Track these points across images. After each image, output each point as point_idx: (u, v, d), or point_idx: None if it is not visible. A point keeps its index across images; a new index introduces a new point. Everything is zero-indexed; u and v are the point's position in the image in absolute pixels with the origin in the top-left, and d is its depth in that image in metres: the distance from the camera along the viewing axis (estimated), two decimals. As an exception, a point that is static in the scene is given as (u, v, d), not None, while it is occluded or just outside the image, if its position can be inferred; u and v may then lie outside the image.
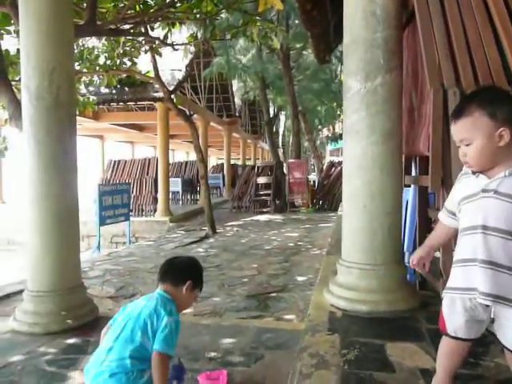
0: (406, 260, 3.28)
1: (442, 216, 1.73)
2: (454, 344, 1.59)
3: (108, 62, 8.21)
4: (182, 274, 2.03)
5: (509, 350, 1.52)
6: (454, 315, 1.56)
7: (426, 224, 3.09)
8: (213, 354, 2.75)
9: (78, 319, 3.11)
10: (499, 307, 1.46)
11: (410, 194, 3.40)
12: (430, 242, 1.79)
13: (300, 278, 5.39)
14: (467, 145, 1.51)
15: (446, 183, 2.45)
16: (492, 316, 1.50)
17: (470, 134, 1.49)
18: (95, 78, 9.51)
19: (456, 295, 1.55)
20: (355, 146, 2.78)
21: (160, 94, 10.45)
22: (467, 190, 1.56)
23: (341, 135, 21.24)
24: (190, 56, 10.62)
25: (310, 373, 1.92)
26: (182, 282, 1.99)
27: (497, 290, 1.44)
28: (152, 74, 9.42)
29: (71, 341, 2.90)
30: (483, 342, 2.04)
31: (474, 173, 1.54)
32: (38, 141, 3.06)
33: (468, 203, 1.54)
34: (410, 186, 3.37)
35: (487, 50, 2.53)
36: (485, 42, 2.60)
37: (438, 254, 3.08)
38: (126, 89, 11.90)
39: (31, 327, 3.01)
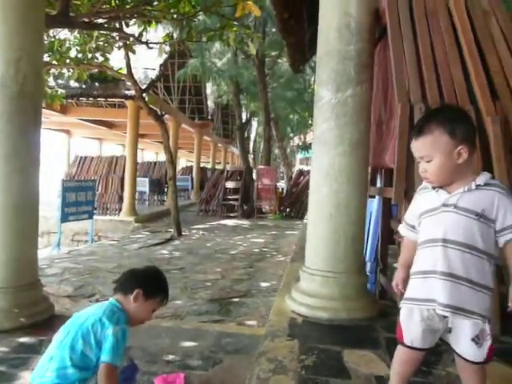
0: (367, 270, 3.35)
1: (405, 231, 1.75)
2: (410, 353, 1.63)
3: (79, 55, 8.03)
4: (131, 282, 1.96)
5: (463, 358, 1.57)
6: (412, 325, 1.60)
7: (388, 235, 3.17)
8: (171, 357, 2.71)
9: (31, 317, 2.99)
10: (457, 318, 1.52)
11: (374, 206, 3.47)
12: (405, 261, 1.76)
13: (263, 284, 5.39)
14: (428, 161, 1.55)
15: (409, 195, 2.52)
16: (450, 325, 1.55)
17: (430, 152, 1.54)
18: (65, 71, 9.27)
19: (414, 306, 1.59)
20: (323, 155, 2.83)
21: (132, 92, 10.29)
22: (428, 204, 1.60)
23: (311, 144, 21.50)
24: (164, 56, 10.51)
25: (268, 377, 1.93)
26: (130, 290, 1.92)
27: (455, 302, 1.50)
28: (124, 71, 9.27)
29: (23, 339, 2.79)
30: (436, 351, 2.10)
31: (434, 188, 1.59)
32: (-1, 130, 2.95)
33: (429, 217, 1.59)
34: (374, 197, 3.44)
35: (453, 70, 2.64)
36: (451, 62, 2.71)
37: (395, 265, 3.16)
38: (97, 84, 11.66)
39: (-19, 324, 2.88)
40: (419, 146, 1.57)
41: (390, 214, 3.25)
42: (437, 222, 1.55)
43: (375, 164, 3.22)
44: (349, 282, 2.77)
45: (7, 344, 2.72)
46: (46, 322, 3.04)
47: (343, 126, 2.75)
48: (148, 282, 1.99)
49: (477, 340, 1.53)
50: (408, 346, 1.62)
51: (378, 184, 3.39)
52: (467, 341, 1.54)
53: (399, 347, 1.68)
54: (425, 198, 1.64)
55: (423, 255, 1.60)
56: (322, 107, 2.84)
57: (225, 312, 4.26)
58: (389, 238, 3.24)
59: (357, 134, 2.76)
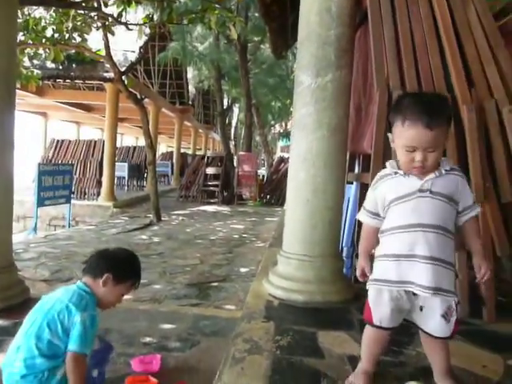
0: (344, 254, 3.41)
1: (367, 219, 1.75)
2: (378, 332, 1.70)
3: (56, 35, 7.80)
4: (101, 265, 1.90)
5: (430, 335, 1.65)
6: (380, 305, 1.65)
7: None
8: (148, 339, 2.72)
9: (5, 300, 2.95)
10: (428, 297, 1.59)
11: (351, 191, 3.52)
12: (366, 248, 1.79)
13: (242, 269, 5.42)
14: (431, 151, 1.55)
15: (385, 181, 2.57)
16: (421, 304, 1.63)
17: (437, 143, 1.55)
18: (41, 51, 9.00)
19: (384, 287, 1.64)
20: (302, 140, 2.84)
21: (110, 75, 10.09)
22: (399, 191, 1.63)
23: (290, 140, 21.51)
24: (144, 38, 10.31)
25: (243, 357, 1.95)
26: (100, 274, 1.87)
27: (436, 283, 1.56)
28: (103, 53, 9.05)
29: (-3, 322, 2.76)
30: (408, 333, 2.16)
31: (405, 174, 1.62)
32: (-29, 110, 2.87)
33: (402, 203, 1.62)
34: (352, 183, 3.49)
35: (431, 57, 2.67)
36: (430, 49, 2.74)
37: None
38: (74, 66, 11.40)
39: (-49, 308, 2.82)
40: (432, 137, 1.53)
41: (367, 200, 3.29)
42: (414, 207, 1.59)
43: (353, 150, 3.26)
44: (324, 266, 2.81)
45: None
46: (20, 305, 3.00)
47: (322, 110, 2.76)
48: (118, 266, 1.93)
49: (445, 316, 1.61)
50: (376, 326, 1.68)
51: (356, 170, 3.43)
52: (437, 317, 1.61)
53: (368, 327, 1.74)
54: (391, 185, 1.66)
55: (396, 239, 1.63)
56: (301, 92, 2.85)
57: (203, 296, 4.28)
58: (365, 223, 3.29)
59: (335, 119, 2.78)
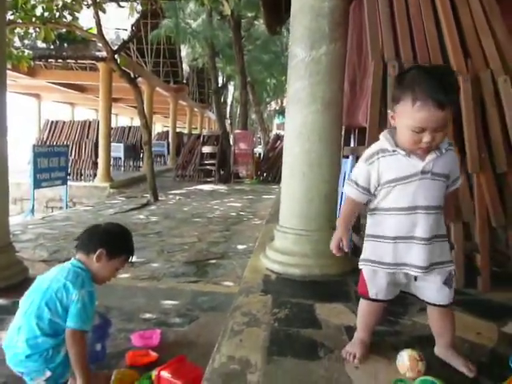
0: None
1: (355, 193, 1.63)
2: (374, 305, 1.72)
3: (46, 13, 7.64)
4: (94, 241, 1.90)
5: (435, 305, 1.67)
6: (376, 281, 1.67)
7: (360, 194, 3.22)
8: (148, 316, 2.75)
9: (4, 280, 2.98)
10: (431, 271, 1.59)
11: (347, 165, 3.51)
12: (346, 221, 1.74)
13: (240, 247, 5.46)
14: (440, 131, 1.48)
15: (380, 154, 2.56)
16: (419, 279, 1.64)
17: (446, 122, 1.48)
18: (31, 30, 8.82)
19: (379, 268, 1.65)
20: (296, 114, 2.82)
21: (103, 54, 9.93)
22: (398, 172, 1.55)
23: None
24: (136, 15, 10.12)
25: (241, 330, 1.98)
26: (93, 250, 1.88)
27: (430, 261, 1.58)
28: (95, 31, 8.89)
29: (-3, 301, 2.78)
30: (403, 303, 2.19)
31: (406, 153, 1.52)
32: (-40, 90, 2.83)
33: (404, 184, 1.55)
34: (348, 157, 3.48)
35: (426, 28, 2.63)
36: (425, 19, 2.70)
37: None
38: (66, 45, 11.20)
39: (-51, 288, 2.84)
40: (441, 119, 1.44)
41: (363, 174, 3.29)
42: (416, 190, 1.55)
43: (348, 123, 3.24)
44: (321, 240, 2.82)
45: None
46: (19, 284, 3.02)
47: (316, 84, 2.73)
48: (111, 241, 1.93)
49: (447, 282, 1.63)
50: (372, 299, 1.70)
51: (352, 144, 3.42)
52: (439, 286, 1.62)
53: (363, 301, 1.76)
54: (390, 164, 1.56)
55: (395, 221, 1.59)
56: (295, 66, 2.81)
57: (202, 273, 4.32)
58: (361, 197, 3.30)
59: (330, 92, 2.75)
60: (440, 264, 1.61)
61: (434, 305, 1.67)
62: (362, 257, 1.72)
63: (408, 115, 1.46)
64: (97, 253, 1.87)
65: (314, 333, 1.98)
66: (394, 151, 1.55)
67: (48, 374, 1.73)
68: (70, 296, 1.76)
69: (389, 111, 1.59)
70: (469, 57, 2.61)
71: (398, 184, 1.56)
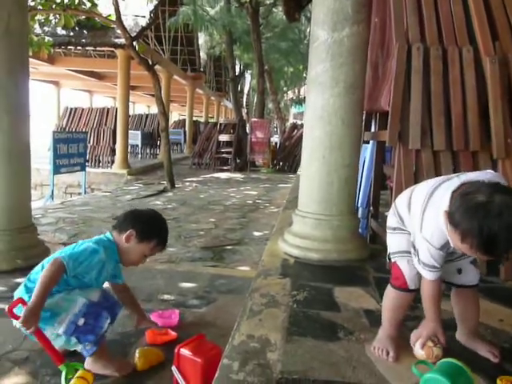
0: (359, 215, 3.39)
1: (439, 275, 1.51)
2: (408, 297, 1.65)
3: (66, 0, 7.67)
4: (127, 221, 1.94)
5: (466, 286, 1.64)
6: (414, 271, 1.58)
7: (380, 180, 3.19)
8: (166, 297, 2.78)
9: (27, 259, 3.02)
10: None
11: (367, 151, 3.47)
12: (438, 309, 1.56)
13: (256, 233, 5.46)
14: None
15: (403, 138, 2.52)
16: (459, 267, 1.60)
17: None
18: (51, 17, 8.88)
19: (407, 257, 1.60)
20: (318, 97, 2.78)
21: (121, 40, 9.94)
22: None
23: (305, 98, 21.17)
24: (154, 2, 10.09)
25: (261, 310, 1.99)
26: (124, 229, 1.91)
27: None
28: (113, 18, 8.90)
29: (20, 280, 2.82)
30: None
31: None
32: (-15, 71, 2.86)
33: None
34: (368, 143, 3.44)
35: (453, 7, 2.56)
36: (452, 0, 2.62)
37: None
38: (85, 32, 11.24)
39: (-22, 265, 2.91)
40: None
41: (384, 160, 3.25)
42: None
43: (370, 108, 3.19)
44: (341, 225, 2.81)
45: (5, 283, 2.77)
46: (41, 264, 3.09)
47: (338, 67, 2.69)
48: (143, 224, 1.94)
49: (474, 261, 1.61)
50: (411, 290, 1.62)
51: (373, 129, 3.37)
52: (469, 266, 1.60)
53: (395, 295, 1.66)
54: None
55: None
56: (317, 48, 2.77)
57: (218, 259, 4.34)
58: (381, 183, 3.27)
59: (352, 75, 2.71)
60: None
61: (464, 286, 1.63)
62: (393, 250, 1.66)
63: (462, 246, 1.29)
64: (127, 233, 1.90)
65: (333, 315, 1.98)
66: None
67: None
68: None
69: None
70: (497, 38, 2.53)
71: None
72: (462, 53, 2.47)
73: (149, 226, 1.96)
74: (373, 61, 3.20)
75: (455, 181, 1.36)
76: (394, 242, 1.68)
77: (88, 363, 1.82)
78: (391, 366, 1.56)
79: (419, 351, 1.57)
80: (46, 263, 1.83)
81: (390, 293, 1.70)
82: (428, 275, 1.50)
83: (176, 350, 1.79)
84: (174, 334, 2.19)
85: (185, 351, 1.76)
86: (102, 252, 1.85)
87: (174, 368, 1.78)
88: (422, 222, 1.44)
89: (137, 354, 1.91)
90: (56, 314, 1.77)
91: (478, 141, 2.44)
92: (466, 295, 1.66)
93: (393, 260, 1.68)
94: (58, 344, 1.80)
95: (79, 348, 1.80)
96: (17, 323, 1.68)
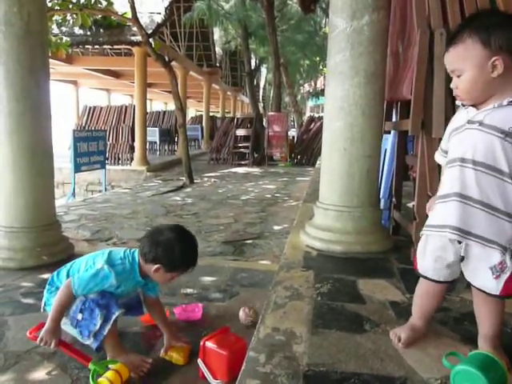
0: (381, 206, 3.35)
1: (438, 157, 1.60)
2: (432, 286, 1.55)
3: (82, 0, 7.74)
4: (153, 253, 1.81)
5: (480, 290, 1.45)
6: (427, 254, 1.51)
7: (403, 170, 3.13)
8: (189, 291, 2.80)
9: (53, 256, 3.09)
10: (472, 246, 1.40)
11: (388, 142, 3.41)
12: None
13: (276, 227, 5.45)
14: (458, 76, 1.37)
15: (426, 127, 2.47)
16: (462, 254, 1.43)
17: (460, 64, 1.35)
18: (68, 17, 8.98)
19: (429, 232, 1.50)
20: (338, 87, 2.74)
21: (138, 38, 10.00)
22: (456, 122, 1.46)
23: (322, 91, 21.00)
24: (169, -2, 10.10)
25: (285, 303, 1.98)
26: (151, 261, 1.82)
27: (466, 226, 1.37)
28: (129, 16, 8.95)
29: (46, 276, 2.87)
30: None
31: (463, 106, 1.44)
32: (7, 70, 2.91)
33: (454, 135, 1.45)
34: (389, 133, 3.38)
35: (477, -8, 2.48)
36: (475, -17, 2.54)
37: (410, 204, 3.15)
38: (102, 31, 11.33)
39: (5, 262, 2.98)
40: (450, 58, 1.39)
41: (406, 150, 3.19)
42: (459, 140, 1.42)
43: (391, 97, 3.13)
44: (363, 216, 2.78)
45: (32, 279, 2.83)
46: (66, 260, 3.09)
47: (358, 56, 2.64)
48: (170, 258, 1.82)
49: (494, 270, 1.39)
50: (426, 278, 1.54)
51: (394, 119, 3.31)
52: (485, 269, 1.40)
53: (421, 280, 1.59)
54: (456, 117, 1.49)
55: (444, 178, 1.50)
56: (336, 37, 2.73)
57: (239, 253, 4.34)
58: (403, 174, 3.21)
59: (373, 64, 2.66)
60: (484, 240, 1.38)
61: (481, 290, 1.46)
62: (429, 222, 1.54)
63: None
64: (154, 267, 1.82)
65: (358, 307, 1.96)
66: (462, 106, 1.47)
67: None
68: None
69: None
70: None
71: (452, 135, 1.47)
72: (487, 37, 2.40)
73: (177, 260, 1.84)
74: (393, 49, 3.14)
75: None
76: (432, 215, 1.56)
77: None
78: (420, 358, 1.53)
79: None
80: (70, 268, 1.97)
81: (421, 281, 1.61)
82: (436, 155, 1.63)
83: (201, 343, 1.80)
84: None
85: (210, 344, 1.77)
86: (113, 278, 1.81)
87: (199, 361, 1.79)
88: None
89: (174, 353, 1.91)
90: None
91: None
92: (481, 299, 1.49)
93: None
94: (75, 334, 1.89)
95: (88, 342, 1.85)
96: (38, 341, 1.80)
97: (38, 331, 1.82)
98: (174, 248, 1.82)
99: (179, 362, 1.90)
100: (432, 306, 1.62)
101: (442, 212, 1.46)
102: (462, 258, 1.45)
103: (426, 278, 1.54)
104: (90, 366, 1.76)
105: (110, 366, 1.77)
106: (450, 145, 1.48)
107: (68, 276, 1.96)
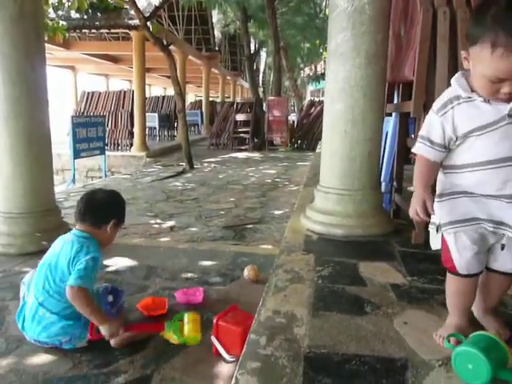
0: (382, 189, 3.33)
1: (430, 152, 1.41)
2: (467, 282, 1.47)
3: (78, -19, 7.61)
4: (105, 213, 2.00)
5: (502, 273, 1.48)
6: (464, 252, 1.43)
7: (404, 153, 3.10)
8: (190, 275, 2.80)
9: (53, 241, 3.06)
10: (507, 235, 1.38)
11: (390, 124, 3.38)
12: (424, 182, 1.46)
13: (277, 212, 5.44)
14: None
15: (428, 108, 2.42)
16: (503, 242, 1.41)
17: None
18: (64, 0, 8.84)
19: (460, 228, 1.42)
20: (339, 68, 2.70)
21: (135, 22, 9.87)
22: (479, 120, 1.31)
23: (323, 75, 20.82)
24: (167, -20, 9.92)
25: (285, 286, 1.97)
26: (105, 221, 1.99)
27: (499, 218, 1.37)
28: (126, -1, 8.82)
29: (47, 261, 2.88)
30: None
31: (485, 99, 1.30)
32: (2, 54, 2.86)
33: (487, 133, 1.31)
34: (390, 116, 3.34)
35: (481, -32, 2.42)
36: (479, -40, 2.48)
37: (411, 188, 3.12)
38: (99, 14, 11.18)
39: (5, 248, 2.98)
40: None
41: (407, 132, 3.15)
42: (503, 137, 1.29)
43: (393, 79, 3.08)
44: (364, 200, 2.76)
45: (32, 265, 2.79)
46: (66, 245, 3.13)
47: (360, 36, 2.59)
48: (119, 210, 2.09)
49: None
50: (464, 275, 1.45)
51: (395, 101, 3.27)
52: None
53: (451, 278, 1.50)
54: (467, 112, 1.33)
55: (478, 178, 1.37)
56: (337, 17, 2.67)
57: (239, 237, 4.34)
58: (405, 156, 3.18)
59: (374, 44, 2.61)
60: None
61: (498, 272, 1.47)
62: (443, 220, 1.46)
63: (485, 62, 1.22)
64: (110, 224, 1.99)
65: (359, 290, 1.95)
66: (469, 97, 1.32)
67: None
68: (77, 265, 1.83)
69: (462, 52, 1.33)
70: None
71: (480, 134, 1.32)
72: (491, 16, 2.35)
73: (121, 210, 2.11)
74: (395, 30, 3.08)
75: None
76: (443, 211, 1.48)
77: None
78: (421, 339, 1.53)
79: None
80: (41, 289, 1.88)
81: (450, 277, 1.52)
82: (420, 148, 1.43)
83: (215, 321, 1.83)
84: (164, 309, 2.22)
85: (223, 321, 1.81)
86: (96, 251, 1.90)
87: (213, 338, 1.83)
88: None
89: (185, 319, 1.90)
90: None
91: (508, 107, 2.33)
92: (498, 280, 1.50)
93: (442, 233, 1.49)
94: None
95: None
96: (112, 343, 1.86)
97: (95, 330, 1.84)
98: (120, 202, 2.12)
99: (175, 340, 1.89)
100: (468, 302, 1.54)
101: (475, 207, 1.40)
102: (503, 247, 1.42)
103: (468, 275, 1.45)
104: (167, 327, 1.84)
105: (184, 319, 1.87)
106: (476, 144, 1.35)
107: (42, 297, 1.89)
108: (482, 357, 1.25)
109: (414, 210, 1.46)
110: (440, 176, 1.50)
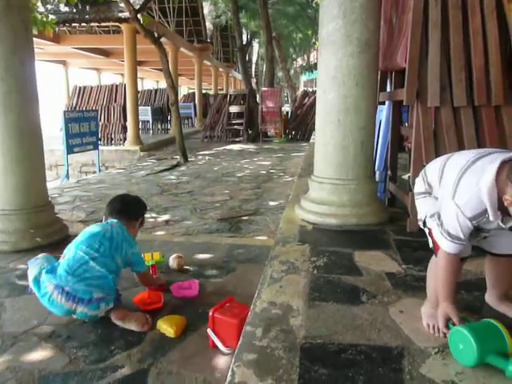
0: (377, 178, 3.32)
1: (457, 248, 1.43)
2: (458, 259, 1.49)
3: (66, -26, 7.51)
4: (137, 211, 2.43)
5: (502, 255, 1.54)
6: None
7: (397, 142, 3.10)
8: (185, 268, 2.78)
9: (47, 237, 3.06)
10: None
11: (383, 113, 3.36)
12: (452, 284, 1.48)
13: (272, 203, 5.43)
14: None
15: (422, 96, 2.42)
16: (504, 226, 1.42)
17: None
18: (53, -7, 8.73)
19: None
20: (330, 57, 2.68)
21: (126, 14, 9.74)
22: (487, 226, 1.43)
23: (315, 65, 20.69)
24: (156, -29, 9.79)
25: (281, 277, 1.97)
26: (134, 218, 2.38)
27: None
28: (116, -9, 8.71)
29: (41, 257, 2.86)
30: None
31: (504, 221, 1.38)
32: (-11, 49, 2.81)
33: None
34: (383, 104, 3.33)
35: (473, -47, 2.40)
36: None
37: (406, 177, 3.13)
38: (88, 8, 11.03)
39: (-1, 245, 2.95)
40: None
41: (401, 121, 3.14)
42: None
43: (385, 67, 3.07)
44: (359, 189, 2.75)
45: (26, 262, 2.80)
46: (61, 241, 3.10)
47: (351, 24, 2.57)
48: (145, 212, 2.52)
49: None
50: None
51: (388, 89, 3.25)
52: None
53: (447, 259, 1.48)
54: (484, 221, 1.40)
55: None
56: (328, 5, 2.64)
57: (235, 229, 4.32)
58: (398, 145, 3.18)
59: (366, 32, 2.59)
60: None
61: (502, 255, 1.55)
62: (430, 212, 1.53)
63: None
64: (139, 220, 2.40)
65: (355, 279, 1.95)
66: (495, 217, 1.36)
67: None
68: (129, 250, 2.17)
69: (506, 197, 1.30)
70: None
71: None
72: (483, 0, 2.33)
73: (145, 211, 2.54)
74: (387, 17, 3.06)
75: (498, 155, 1.33)
76: (424, 206, 1.59)
77: None
78: (417, 327, 1.53)
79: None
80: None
81: (438, 260, 1.52)
82: (448, 247, 1.42)
83: (210, 314, 1.83)
84: (160, 303, 2.22)
85: (219, 314, 1.80)
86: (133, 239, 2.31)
87: (209, 330, 1.82)
88: (456, 188, 1.37)
89: (165, 324, 1.91)
90: None
91: (501, 94, 2.33)
92: (504, 263, 1.58)
93: (428, 226, 1.56)
94: None
95: None
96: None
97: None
98: (144, 203, 2.57)
99: (170, 334, 1.90)
100: (456, 282, 1.54)
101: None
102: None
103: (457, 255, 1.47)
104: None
105: None
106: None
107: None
108: (471, 339, 1.27)
109: (434, 325, 1.50)
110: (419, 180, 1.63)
